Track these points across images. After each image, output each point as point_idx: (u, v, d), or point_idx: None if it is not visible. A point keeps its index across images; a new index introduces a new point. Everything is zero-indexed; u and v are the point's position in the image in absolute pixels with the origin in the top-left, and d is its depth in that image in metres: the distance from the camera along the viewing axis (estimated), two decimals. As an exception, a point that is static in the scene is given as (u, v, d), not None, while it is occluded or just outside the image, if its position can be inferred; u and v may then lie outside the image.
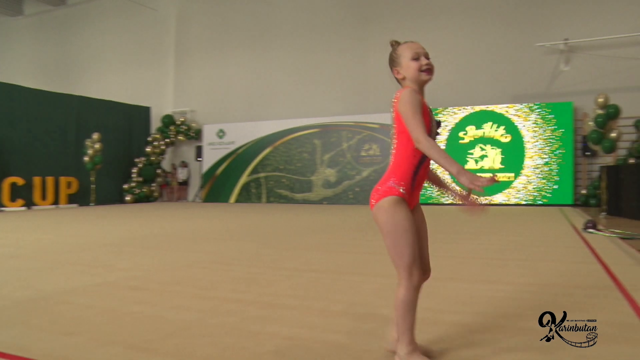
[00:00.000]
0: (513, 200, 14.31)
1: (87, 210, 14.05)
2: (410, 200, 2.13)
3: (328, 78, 17.25)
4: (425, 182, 2.22)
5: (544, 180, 14.06)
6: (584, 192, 13.74)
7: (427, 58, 2.16)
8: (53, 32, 22.97)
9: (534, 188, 14.14)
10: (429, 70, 2.14)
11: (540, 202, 14.00)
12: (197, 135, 19.12)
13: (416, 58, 2.14)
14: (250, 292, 3.51)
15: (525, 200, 14.19)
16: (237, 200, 17.89)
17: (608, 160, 13.16)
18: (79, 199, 16.02)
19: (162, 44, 20.43)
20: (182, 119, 19.19)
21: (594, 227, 7.10)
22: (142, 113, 19.16)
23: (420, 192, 2.18)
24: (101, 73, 21.46)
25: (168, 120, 19.13)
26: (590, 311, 2.85)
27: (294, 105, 17.75)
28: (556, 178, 13.96)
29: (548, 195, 14.00)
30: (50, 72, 22.57)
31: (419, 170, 2.11)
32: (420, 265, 2.10)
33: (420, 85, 2.17)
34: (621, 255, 4.98)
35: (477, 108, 14.73)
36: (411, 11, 16.15)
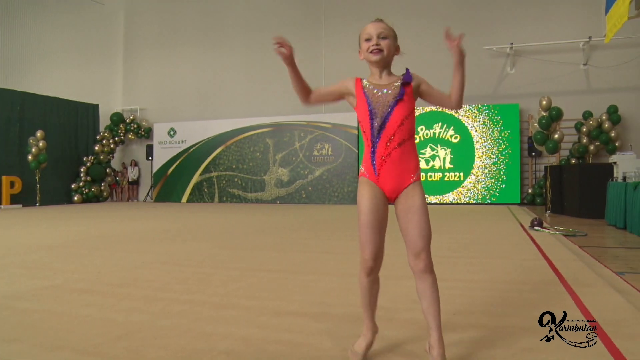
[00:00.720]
0: (463, 200, 14.65)
1: (32, 210, 13.56)
2: (382, 182, 2.08)
3: (280, 77, 17.12)
4: (395, 159, 2.06)
5: (493, 180, 14.46)
6: (530, 191, 14.20)
7: (382, 37, 2.14)
8: (-6, 26, 22.01)
9: (483, 187, 14.52)
10: (375, 51, 2.13)
11: (489, 201, 14.39)
12: (147, 133, 18.74)
13: (368, 39, 2.16)
14: (202, 293, 3.47)
15: (475, 200, 14.55)
16: (189, 200, 17.63)
17: (552, 160, 13.66)
18: (24, 199, 15.42)
19: (110, 40, 19.91)
20: (132, 117, 18.76)
21: (540, 225, 7.35)
22: (90, 110, 18.61)
23: (402, 176, 2.07)
24: (46, 69, 20.65)
25: (117, 119, 18.66)
26: (536, 306, 2.95)
27: (246, 104, 17.63)
28: (504, 177, 14.38)
29: (496, 194, 14.40)
30: (-9, 67, 21.63)
31: (375, 148, 2.08)
32: (371, 250, 2.07)
33: (375, 67, 2.18)
34: (564, 252, 5.17)
35: (428, 109, 15.00)
36: (362, 12, 16.27)
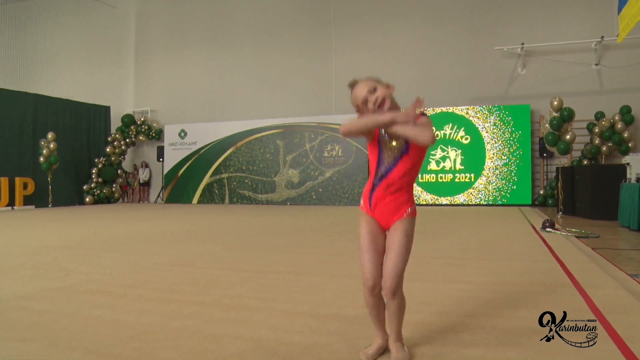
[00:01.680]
0: (474, 201, 14.58)
1: (45, 211, 13.67)
2: (376, 216, 2.20)
3: (290, 79, 17.23)
4: (388, 202, 2.18)
5: (504, 181, 14.37)
6: (541, 192, 14.10)
7: (373, 91, 2.15)
8: (6, 28, 22.18)
9: (494, 188, 14.44)
10: (380, 105, 2.15)
11: (500, 203, 14.30)
12: (158, 135, 18.83)
13: (363, 102, 2.18)
14: (212, 295, 3.47)
15: (486, 201, 14.47)
16: (200, 201, 17.69)
17: (564, 161, 13.55)
18: (36, 200, 15.55)
19: (121, 42, 20.04)
20: (143, 119, 18.86)
21: (552, 226, 7.29)
22: (102, 112, 18.74)
23: (393, 213, 2.17)
24: (58, 71, 20.87)
25: (128, 120, 18.77)
26: (548, 308, 2.92)
27: (256, 105, 17.67)
28: (515, 179, 14.29)
29: (507, 195, 14.32)
30: (3, 69, 21.81)
31: (374, 190, 2.19)
32: (370, 269, 2.17)
33: None
34: (577, 253, 5.13)
35: (438, 109, 14.94)
36: (372, 14, 16.27)
